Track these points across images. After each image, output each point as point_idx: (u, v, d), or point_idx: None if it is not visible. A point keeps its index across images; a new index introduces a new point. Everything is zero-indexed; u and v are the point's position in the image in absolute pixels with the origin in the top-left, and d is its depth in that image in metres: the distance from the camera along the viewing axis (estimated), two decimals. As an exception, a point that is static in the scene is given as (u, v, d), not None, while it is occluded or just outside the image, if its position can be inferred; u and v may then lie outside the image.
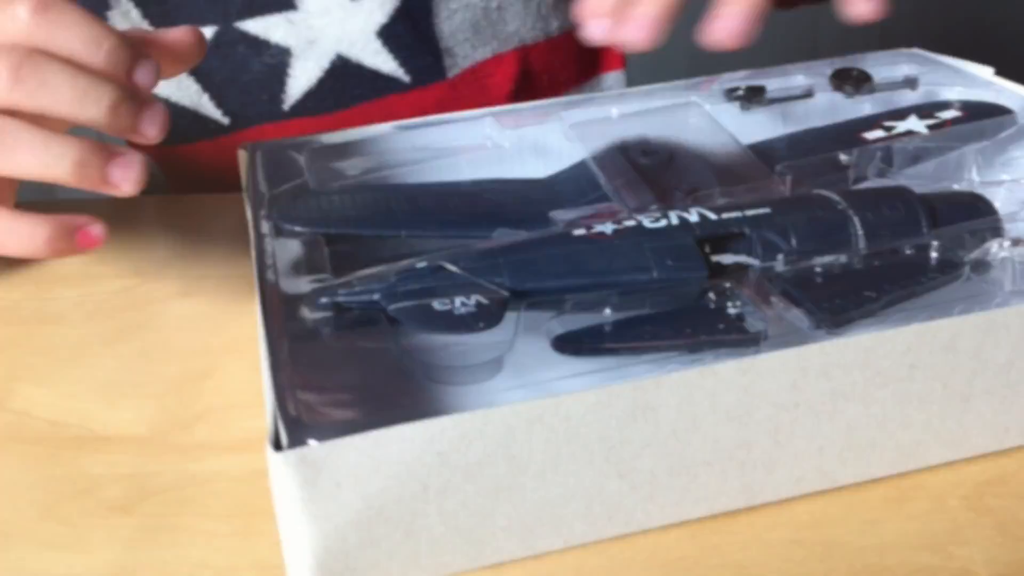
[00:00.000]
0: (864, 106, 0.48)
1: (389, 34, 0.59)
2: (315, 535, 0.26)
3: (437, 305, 0.30)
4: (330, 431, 0.26)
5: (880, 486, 0.30)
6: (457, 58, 0.61)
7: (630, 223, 0.34)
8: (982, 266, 0.33)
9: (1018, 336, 0.29)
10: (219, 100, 0.60)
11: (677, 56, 0.67)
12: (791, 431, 0.29)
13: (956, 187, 0.38)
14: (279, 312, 0.31)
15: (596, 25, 0.33)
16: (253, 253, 0.34)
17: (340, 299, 0.31)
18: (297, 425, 0.26)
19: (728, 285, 0.31)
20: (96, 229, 0.34)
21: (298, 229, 0.37)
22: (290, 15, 0.58)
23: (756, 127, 0.48)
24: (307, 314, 0.31)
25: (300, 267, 0.35)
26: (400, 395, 0.30)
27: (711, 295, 0.31)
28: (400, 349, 0.30)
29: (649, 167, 0.41)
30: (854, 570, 0.28)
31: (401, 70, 0.60)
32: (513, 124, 0.43)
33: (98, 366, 0.41)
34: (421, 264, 0.32)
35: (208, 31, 0.57)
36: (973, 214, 0.35)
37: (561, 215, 0.36)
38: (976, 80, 0.47)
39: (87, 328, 0.43)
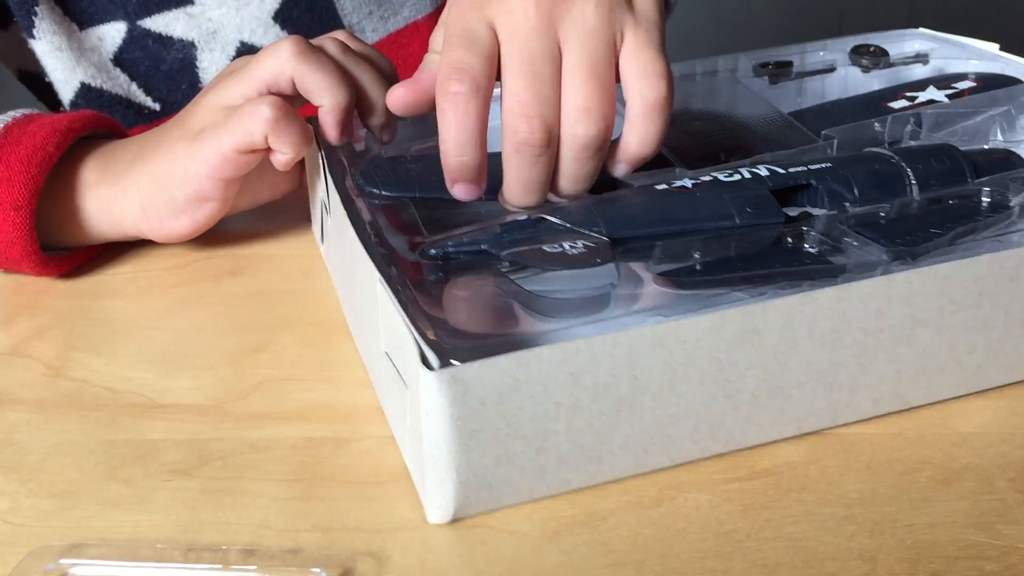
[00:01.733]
0: (878, 80, 0.52)
1: (285, 17, 0.61)
2: (459, 450, 0.28)
3: (547, 248, 0.32)
4: (467, 354, 0.28)
5: (929, 468, 0.31)
6: (366, 33, 0.63)
7: (706, 178, 0.37)
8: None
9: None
10: (146, 88, 0.62)
11: (705, 33, 0.69)
12: (875, 355, 0.32)
13: (987, 146, 0.41)
14: (391, 261, 0.33)
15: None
16: (344, 218, 0.36)
17: (449, 250, 0.34)
18: (439, 348, 0.28)
19: (804, 228, 0.34)
20: None
21: (385, 194, 0.39)
22: (188, 9, 0.60)
23: (786, 98, 0.52)
24: (420, 259, 0.34)
25: (391, 229, 0.38)
26: (515, 331, 0.32)
27: (788, 239, 0.34)
28: (515, 287, 0.32)
29: (701, 132, 0.44)
30: (904, 546, 0.28)
31: None
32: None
33: (154, 339, 0.42)
34: (523, 216, 0.35)
35: (120, 26, 0.59)
36: (1008, 167, 0.38)
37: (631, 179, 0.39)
38: (983, 55, 0.51)
39: (142, 303, 0.45)
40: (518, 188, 0.36)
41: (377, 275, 0.32)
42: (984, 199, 0.35)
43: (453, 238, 0.34)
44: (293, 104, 0.43)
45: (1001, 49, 0.52)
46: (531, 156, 0.35)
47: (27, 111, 0.47)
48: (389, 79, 0.45)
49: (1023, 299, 0.32)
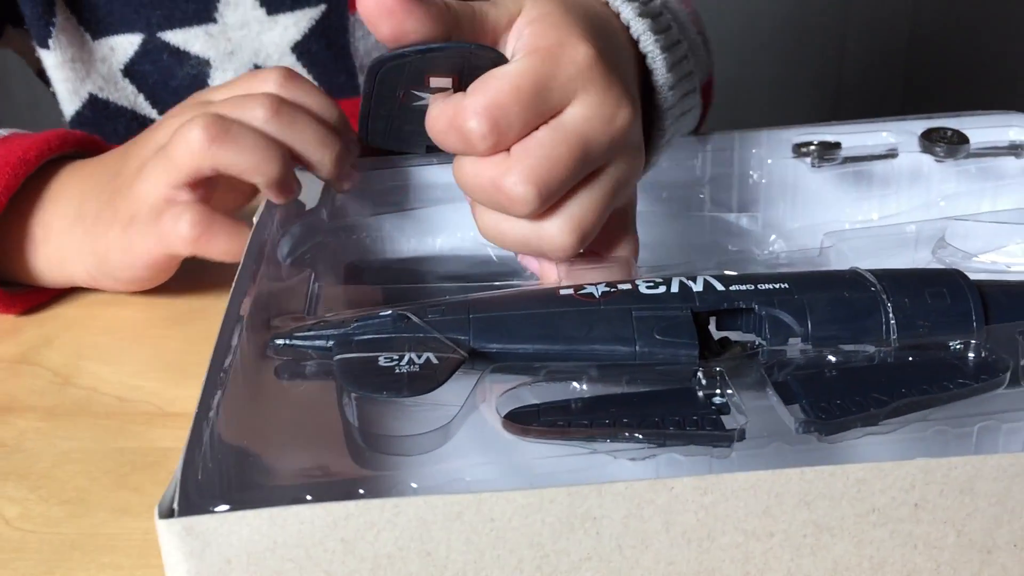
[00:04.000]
0: (956, 174, 0.42)
1: (303, 50, 0.61)
2: (202, 612, 0.24)
3: (382, 360, 0.27)
4: (237, 500, 0.23)
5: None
6: None
7: (625, 286, 0.30)
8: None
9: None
10: (153, 101, 0.62)
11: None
12: (764, 562, 0.24)
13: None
14: (233, 348, 0.29)
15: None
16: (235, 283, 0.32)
17: (295, 342, 0.29)
18: (199, 489, 0.24)
19: (720, 369, 0.27)
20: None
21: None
22: (209, 28, 0.60)
23: (826, 189, 0.43)
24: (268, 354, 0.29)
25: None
26: (337, 459, 0.27)
27: (700, 378, 0.27)
28: (341, 407, 0.27)
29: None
30: None
31: (315, 83, 0.60)
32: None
33: (161, 347, 0.42)
34: (386, 312, 0.29)
35: (136, 38, 0.59)
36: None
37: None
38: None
39: (149, 312, 0.45)
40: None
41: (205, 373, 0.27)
42: (970, 354, 0.27)
43: (302, 328, 0.29)
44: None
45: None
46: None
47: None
48: (335, 122, 0.41)
49: (983, 518, 0.24)
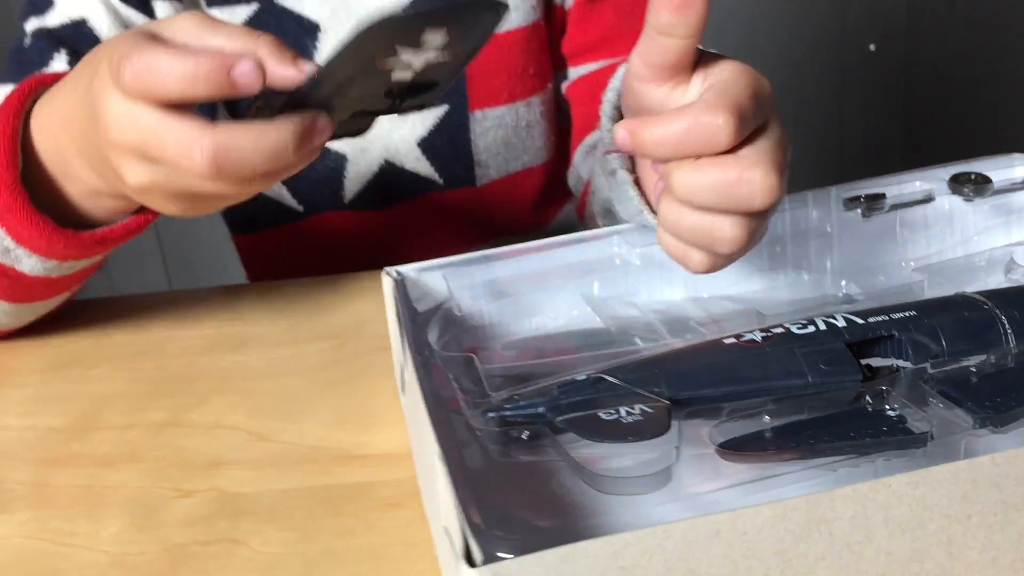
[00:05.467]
0: (983, 210, 0.48)
1: (427, 145, 0.67)
2: (505, 648, 0.27)
3: (603, 415, 0.31)
4: (515, 545, 0.27)
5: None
6: (489, 169, 0.69)
7: (778, 330, 0.35)
8: None
9: None
10: (293, 191, 0.69)
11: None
12: (964, 542, 0.29)
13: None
14: (449, 429, 0.33)
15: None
16: (413, 373, 0.36)
17: (507, 413, 0.33)
18: (486, 538, 0.27)
19: (884, 388, 0.32)
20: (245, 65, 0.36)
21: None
22: None
23: (879, 234, 0.49)
24: (475, 427, 0.33)
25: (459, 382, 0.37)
26: (571, 508, 0.31)
27: (867, 398, 0.32)
28: (571, 461, 0.31)
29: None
30: None
31: (437, 175, 0.68)
32: (640, 243, 0.45)
33: (338, 406, 0.47)
34: (581, 377, 0.34)
35: None
36: None
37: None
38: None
39: (314, 377, 0.50)
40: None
41: (437, 448, 0.31)
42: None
43: (511, 401, 0.34)
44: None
45: None
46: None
47: None
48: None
49: None
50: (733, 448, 0.30)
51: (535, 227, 0.72)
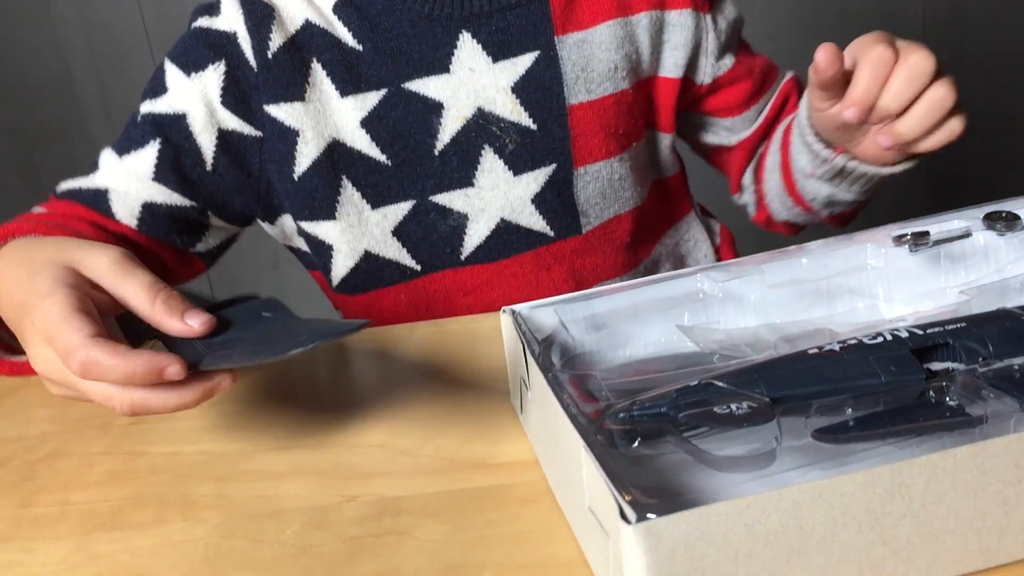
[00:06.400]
0: (1015, 243, 0.56)
1: (540, 200, 0.75)
2: (655, 592, 0.35)
3: (717, 410, 0.39)
4: (658, 510, 0.34)
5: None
6: (591, 217, 0.77)
7: (852, 341, 0.42)
8: None
9: None
10: (413, 253, 0.76)
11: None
12: (1017, 503, 0.36)
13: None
14: (591, 430, 0.40)
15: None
16: (545, 388, 0.44)
17: (635, 413, 0.41)
18: (636, 505, 0.35)
19: (944, 384, 0.39)
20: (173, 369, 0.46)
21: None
22: (467, 191, 0.74)
23: (931, 264, 0.56)
24: (608, 426, 0.41)
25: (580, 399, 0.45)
26: (693, 488, 0.39)
27: (931, 393, 0.39)
28: (693, 448, 0.39)
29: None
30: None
31: (548, 227, 0.76)
32: (721, 278, 0.53)
33: (464, 427, 0.54)
34: (694, 382, 0.41)
35: (408, 204, 0.74)
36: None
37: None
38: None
39: (438, 404, 0.57)
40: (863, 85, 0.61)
41: (582, 442, 0.39)
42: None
43: (638, 403, 0.41)
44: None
45: None
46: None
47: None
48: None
49: None
50: (825, 434, 0.38)
51: (629, 267, 0.80)
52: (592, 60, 0.74)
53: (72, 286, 0.49)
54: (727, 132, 0.84)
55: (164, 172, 0.70)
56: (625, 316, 0.55)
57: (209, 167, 0.71)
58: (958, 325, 0.42)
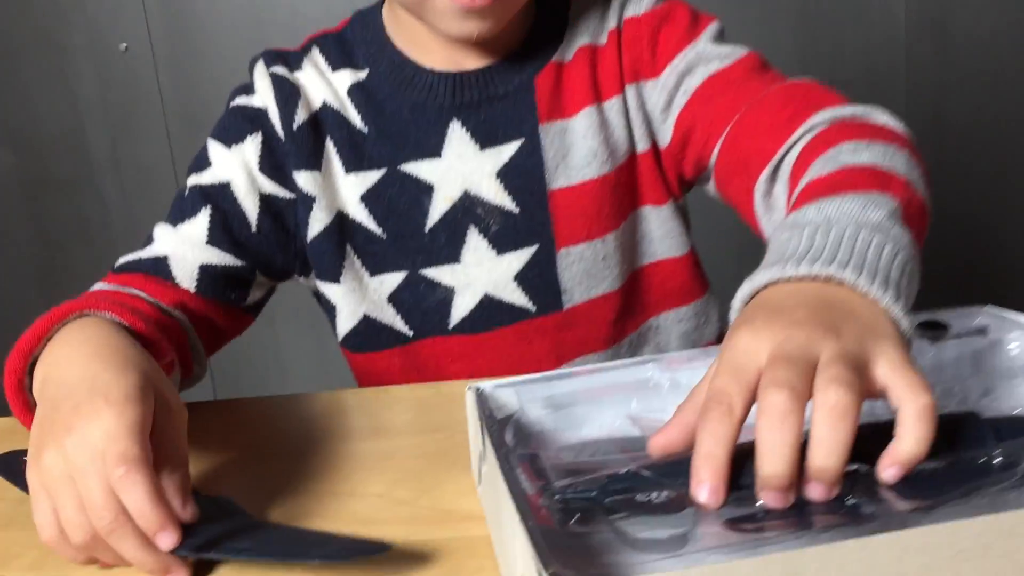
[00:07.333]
0: (945, 350, 0.60)
1: (522, 278, 0.81)
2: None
3: (639, 498, 0.43)
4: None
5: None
6: (574, 295, 0.83)
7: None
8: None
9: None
10: (406, 319, 0.83)
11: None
12: None
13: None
14: (527, 508, 0.45)
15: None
16: (495, 466, 0.49)
17: (568, 495, 0.45)
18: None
19: (847, 484, 0.44)
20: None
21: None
22: (454, 266, 0.81)
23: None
24: (543, 504, 0.45)
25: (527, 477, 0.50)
26: (613, 565, 0.43)
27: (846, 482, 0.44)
28: (616, 529, 0.43)
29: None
30: None
31: (530, 304, 0.82)
32: (674, 366, 0.58)
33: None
34: (623, 471, 0.46)
35: (401, 275, 0.81)
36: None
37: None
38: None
39: (432, 461, 0.60)
40: (769, 455, 0.41)
41: (517, 516, 0.43)
42: (995, 461, 0.44)
43: (571, 487, 0.46)
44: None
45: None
46: (779, 415, 0.40)
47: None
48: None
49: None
50: (735, 522, 0.42)
51: (612, 341, 0.84)
52: (572, 147, 0.80)
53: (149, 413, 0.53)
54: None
55: (216, 235, 0.78)
56: (582, 399, 0.59)
57: (254, 229, 0.80)
58: (867, 428, 0.46)
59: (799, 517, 0.42)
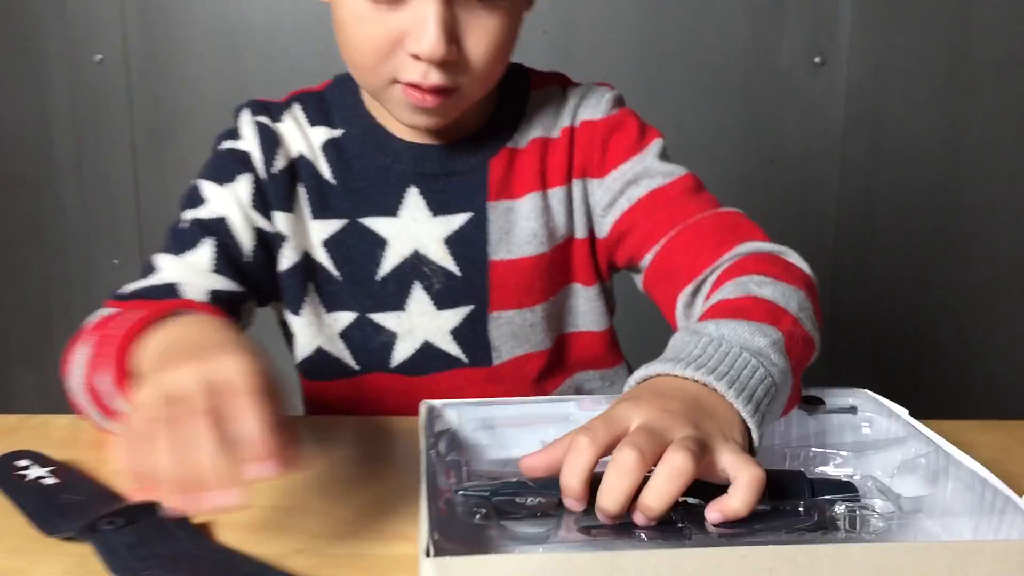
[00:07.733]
0: (813, 422, 0.71)
1: (457, 333, 0.91)
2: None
3: (518, 500, 0.56)
4: (453, 552, 0.51)
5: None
6: (502, 353, 0.94)
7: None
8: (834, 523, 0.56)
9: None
10: (354, 355, 0.92)
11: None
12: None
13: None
14: (436, 496, 0.58)
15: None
16: (423, 468, 0.61)
17: (468, 492, 0.58)
18: (439, 547, 0.52)
19: (681, 510, 0.56)
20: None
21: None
22: (399, 314, 0.90)
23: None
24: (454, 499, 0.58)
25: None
26: (496, 549, 0.55)
27: (673, 516, 0.56)
28: (500, 526, 0.56)
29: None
30: None
31: (463, 355, 0.94)
32: (589, 407, 0.71)
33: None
34: (514, 480, 0.59)
35: (352, 315, 0.90)
36: (842, 490, 0.58)
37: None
38: (899, 417, 0.70)
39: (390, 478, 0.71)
40: (607, 496, 0.52)
41: (425, 501, 0.56)
42: (800, 508, 0.56)
43: (471, 487, 0.59)
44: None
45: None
46: (625, 470, 0.52)
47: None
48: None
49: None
50: (586, 528, 0.55)
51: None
52: (516, 226, 0.90)
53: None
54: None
55: (221, 264, 0.85)
56: (510, 423, 0.72)
57: (251, 258, 0.87)
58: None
59: (636, 530, 0.55)
